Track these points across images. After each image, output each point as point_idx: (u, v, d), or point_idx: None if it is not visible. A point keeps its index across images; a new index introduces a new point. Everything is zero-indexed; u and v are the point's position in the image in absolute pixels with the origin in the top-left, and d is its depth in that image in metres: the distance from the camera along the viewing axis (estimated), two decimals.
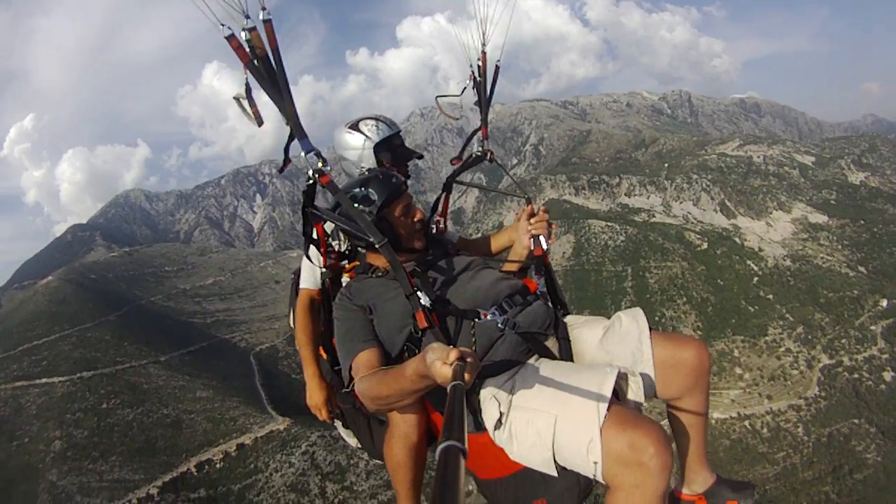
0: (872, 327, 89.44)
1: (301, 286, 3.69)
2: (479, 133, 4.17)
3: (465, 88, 4.16)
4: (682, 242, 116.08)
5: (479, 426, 2.69)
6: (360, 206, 3.00)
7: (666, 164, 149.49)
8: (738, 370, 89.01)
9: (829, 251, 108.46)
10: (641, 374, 2.71)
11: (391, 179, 3.14)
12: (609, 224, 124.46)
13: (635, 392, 2.61)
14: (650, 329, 2.87)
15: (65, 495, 56.62)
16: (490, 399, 2.64)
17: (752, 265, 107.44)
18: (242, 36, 2.72)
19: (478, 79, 4.09)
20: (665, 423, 2.85)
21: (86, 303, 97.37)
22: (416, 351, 2.77)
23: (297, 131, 2.87)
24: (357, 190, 3.06)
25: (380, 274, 3.09)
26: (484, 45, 4.00)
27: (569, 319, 3.17)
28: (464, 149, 4.31)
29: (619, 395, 2.58)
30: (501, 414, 2.56)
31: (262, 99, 2.87)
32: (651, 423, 2.27)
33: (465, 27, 4.02)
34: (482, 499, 3.07)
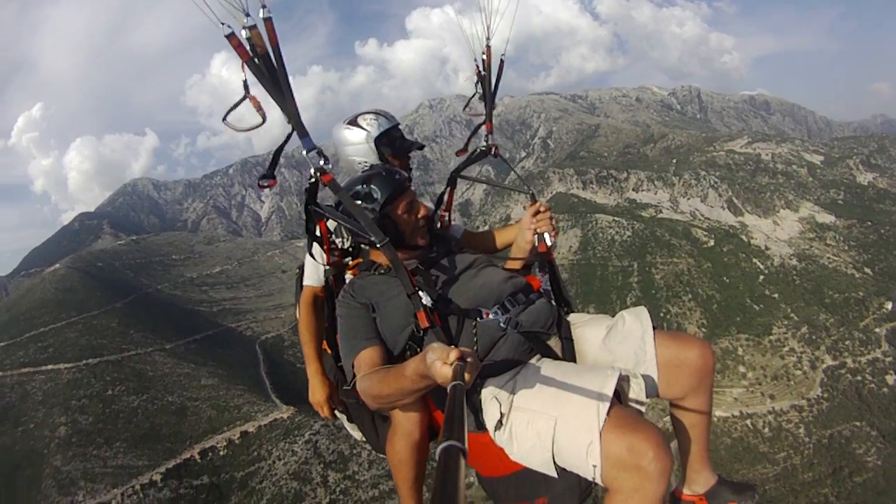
0: (877, 330, 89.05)
1: (304, 283, 3.69)
2: (484, 127, 4.15)
3: (476, 83, 4.13)
4: (688, 239, 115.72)
5: (481, 426, 2.68)
6: (363, 204, 2.99)
7: (674, 160, 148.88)
8: (741, 368, 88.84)
9: (836, 251, 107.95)
10: (644, 375, 2.70)
11: (394, 176, 3.12)
12: (616, 219, 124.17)
13: (637, 394, 2.59)
14: (654, 328, 2.85)
15: (69, 480, 57.06)
16: (491, 399, 2.63)
17: (759, 263, 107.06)
18: (243, 34, 2.70)
19: (482, 72, 4.07)
20: (666, 420, 2.84)
21: (92, 290, 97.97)
22: (419, 350, 2.76)
23: (298, 129, 2.85)
24: (359, 187, 3.05)
25: (382, 271, 3.08)
26: (489, 38, 3.98)
27: (572, 318, 3.14)
28: (468, 142, 4.28)
29: (620, 396, 2.56)
30: (502, 414, 2.55)
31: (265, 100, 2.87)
32: (651, 426, 2.26)
33: (471, 19, 3.99)
34: (482, 492, 3.09)
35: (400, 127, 3.95)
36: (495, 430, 2.57)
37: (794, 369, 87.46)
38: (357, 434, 3.84)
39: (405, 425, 3.10)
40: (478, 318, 2.82)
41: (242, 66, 2.76)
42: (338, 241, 3.24)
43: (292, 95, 2.81)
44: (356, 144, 3.72)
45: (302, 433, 63.53)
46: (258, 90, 2.83)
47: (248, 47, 2.73)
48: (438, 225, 3.85)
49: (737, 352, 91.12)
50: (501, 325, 2.81)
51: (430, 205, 3.95)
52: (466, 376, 1.84)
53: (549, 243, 3.38)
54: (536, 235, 3.41)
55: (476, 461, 2.92)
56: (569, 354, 2.92)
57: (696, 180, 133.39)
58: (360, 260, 3.31)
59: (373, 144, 3.71)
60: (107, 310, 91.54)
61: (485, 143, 4.13)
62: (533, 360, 2.83)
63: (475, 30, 3.96)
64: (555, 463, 2.38)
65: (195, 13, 2.51)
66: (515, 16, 3.93)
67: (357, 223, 2.89)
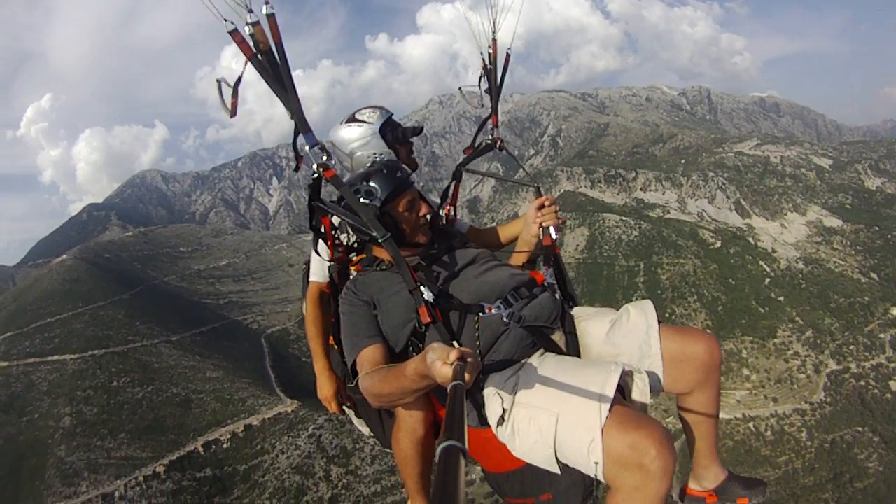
0: (882, 335, 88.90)
1: (311, 279, 3.70)
2: (490, 121, 4.15)
3: (481, 77, 4.12)
4: (695, 240, 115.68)
5: (484, 421, 2.67)
6: (364, 200, 2.97)
7: (683, 161, 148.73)
8: (745, 371, 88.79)
9: (842, 256, 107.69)
10: (649, 371, 2.68)
11: (395, 174, 3.08)
12: (623, 218, 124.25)
13: (641, 390, 2.57)
14: (659, 322, 2.82)
15: (72, 471, 57.28)
16: (493, 395, 2.62)
17: (765, 266, 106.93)
18: (246, 31, 2.72)
19: (488, 66, 4.06)
20: (669, 421, 2.82)
21: (99, 281, 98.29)
22: (421, 346, 2.76)
23: (301, 125, 2.86)
24: (360, 184, 3.03)
25: (385, 267, 3.06)
26: (495, 32, 3.97)
27: (576, 312, 3.12)
28: (476, 137, 4.29)
29: (623, 392, 2.55)
30: (504, 410, 2.54)
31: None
32: (654, 424, 2.24)
33: (478, 13, 3.98)
34: (483, 489, 3.09)
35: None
36: (498, 426, 2.56)
37: (797, 373, 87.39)
38: (365, 429, 3.84)
39: (409, 422, 3.10)
40: (480, 314, 2.79)
41: (245, 64, 2.77)
42: (342, 237, 3.24)
43: (295, 91, 2.82)
44: (362, 139, 3.68)
45: (306, 427, 63.67)
46: (261, 86, 2.85)
47: (251, 43, 2.74)
48: (444, 220, 3.85)
49: (741, 354, 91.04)
50: (504, 319, 2.78)
51: (438, 200, 3.97)
52: (467, 376, 1.83)
53: (553, 237, 3.35)
54: (542, 229, 3.39)
55: (481, 457, 2.91)
56: (573, 349, 2.90)
57: (705, 181, 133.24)
58: (364, 256, 3.29)
59: (379, 135, 3.71)
60: (113, 301, 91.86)
61: (490, 137, 4.13)
62: (536, 355, 2.81)
63: (482, 24, 3.95)
64: (557, 459, 2.36)
65: (204, 6, 2.52)
66: (521, 10, 3.95)
67: (359, 218, 2.89)
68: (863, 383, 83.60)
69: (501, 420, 2.55)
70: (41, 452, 59.80)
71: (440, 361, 1.98)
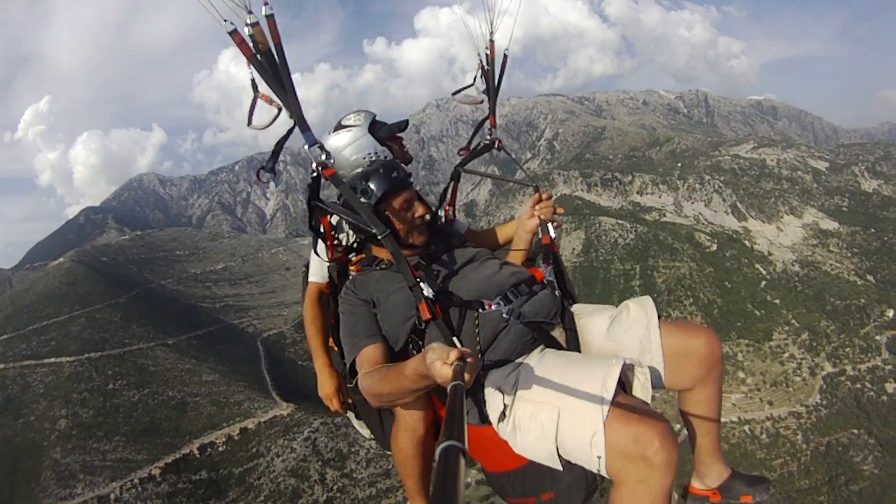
0: (878, 337, 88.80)
1: (310, 279, 3.70)
2: (488, 122, 4.15)
3: (476, 77, 4.13)
4: (691, 243, 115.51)
5: (485, 419, 2.67)
6: (364, 200, 2.98)
7: (679, 164, 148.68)
8: (740, 374, 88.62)
9: (839, 258, 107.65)
10: (650, 367, 2.68)
11: (391, 173, 3.08)
12: (619, 222, 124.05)
13: (642, 384, 2.57)
14: (659, 318, 2.83)
15: (68, 473, 57.18)
16: (494, 391, 2.63)
17: (761, 269, 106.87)
18: (245, 31, 2.73)
19: (485, 67, 4.07)
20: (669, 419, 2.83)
21: (96, 285, 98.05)
22: (421, 343, 2.78)
23: (300, 124, 2.86)
24: (357, 182, 3.04)
25: (384, 266, 3.09)
26: (492, 33, 3.98)
27: (576, 308, 3.13)
28: (472, 138, 4.28)
29: (625, 386, 2.55)
30: (505, 406, 2.55)
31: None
32: (656, 416, 2.25)
33: (476, 17, 3.99)
34: (479, 492, 3.10)
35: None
36: (499, 422, 2.57)
37: (793, 376, 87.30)
38: (365, 431, 3.83)
39: (409, 421, 3.10)
40: (479, 310, 2.81)
41: (248, 64, 2.78)
42: (341, 236, 3.26)
43: (294, 91, 2.83)
44: (354, 142, 3.66)
45: (301, 430, 63.55)
46: (262, 86, 2.87)
47: (250, 44, 2.75)
48: (443, 220, 3.85)
49: (736, 357, 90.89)
50: (504, 315, 2.80)
51: (436, 202, 3.98)
52: (466, 376, 1.83)
53: (552, 234, 3.38)
54: (541, 227, 3.42)
55: (481, 456, 2.91)
56: (573, 345, 2.90)
57: (701, 184, 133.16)
58: (363, 256, 3.30)
59: (368, 134, 3.71)
60: (110, 304, 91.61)
61: (489, 137, 4.13)
62: (536, 351, 2.82)
63: (479, 26, 3.97)
64: (559, 455, 2.37)
65: (202, 9, 2.54)
66: (518, 13, 3.96)
67: (358, 216, 2.90)
68: (859, 386, 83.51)
69: (502, 416, 2.56)
70: (37, 454, 59.63)
71: (440, 361, 1.98)
